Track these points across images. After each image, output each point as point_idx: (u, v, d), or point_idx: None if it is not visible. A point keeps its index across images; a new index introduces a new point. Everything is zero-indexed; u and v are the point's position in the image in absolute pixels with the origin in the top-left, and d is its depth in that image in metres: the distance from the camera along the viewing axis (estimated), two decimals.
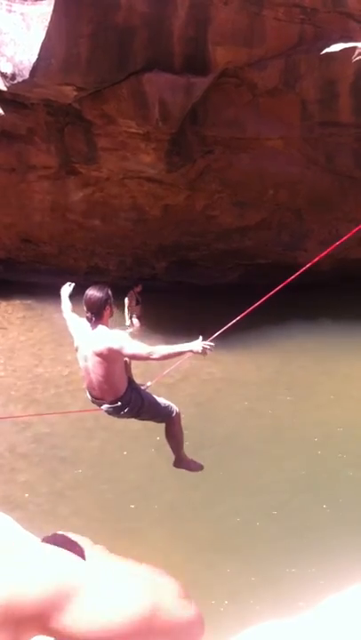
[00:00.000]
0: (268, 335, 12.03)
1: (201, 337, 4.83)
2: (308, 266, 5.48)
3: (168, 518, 7.50)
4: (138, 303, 12.71)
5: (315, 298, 13.01)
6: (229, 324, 5.15)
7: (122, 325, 11.78)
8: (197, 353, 4.78)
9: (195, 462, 5.78)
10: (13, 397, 10.01)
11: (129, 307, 12.65)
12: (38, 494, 7.84)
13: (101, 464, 8.54)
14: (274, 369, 11.35)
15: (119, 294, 5.25)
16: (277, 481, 8.15)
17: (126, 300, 12.61)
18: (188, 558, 6.95)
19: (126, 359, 5.22)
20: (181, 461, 5.69)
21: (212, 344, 4.80)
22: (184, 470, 5.83)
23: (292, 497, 7.86)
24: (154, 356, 4.82)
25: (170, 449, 5.65)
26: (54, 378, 10.61)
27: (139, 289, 12.73)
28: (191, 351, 4.79)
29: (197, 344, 4.75)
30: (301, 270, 5.38)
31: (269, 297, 5.27)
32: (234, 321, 5.23)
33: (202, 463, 5.81)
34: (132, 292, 12.71)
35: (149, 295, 12.84)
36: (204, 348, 4.74)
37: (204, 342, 4.78)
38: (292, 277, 5.34)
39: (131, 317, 12.62)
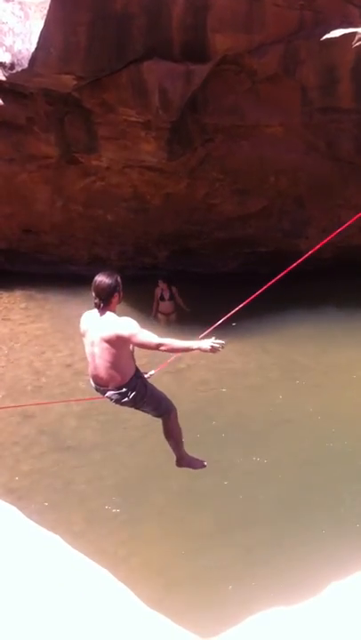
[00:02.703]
0: (271, 323, 12.03)
1: (214, 337, 4.87)
2: (309, 253, 5.48)
3: (172, 507, 7.53)
4: (163, 299, 12.74)
5: (317, 285, 13.00)
6: (232, 313, 5.16)
7: (148, 319, 11.85)
8: (206, 351, 4.82)
9: (197, 460, 5.77)
10: (16, 388, 10.03)
11: (155, 302, 12.72)
12: (42, 484, 7.87)
13: (106, 454, 8.56)
14: (277, 356, 11.36)
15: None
16: (281, 468, 8.17)
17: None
18: (192, 546, 6.98)
19: (131, 347, 5.23)
20: (183, 460, 5.69)
21: (222, 342, 4.82)
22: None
23: (295, 484, 7.89)
24: (163, 348, 4.87)
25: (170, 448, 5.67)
26: (57, 368, 10.63)
27: (162, 286, 12.72)
28: (200, 348, 4.83)
29: (206, 342, 4.80)
30: (303, 257, 5.37)
31: (271, 284, 5.27)
32: (236, 309, 5.24)
33: (204, 460, 5.81)
34: (157, 288, 12.74)
35: (151, 285, 12.83)
36: (213, 347, 4.78)
37: (214, 341, 4.81)
38: (294, 265, 5.33)
39: (155, 313, 12.64)
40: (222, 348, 4.84)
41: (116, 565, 5.43)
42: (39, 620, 3.72)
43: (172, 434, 5.56)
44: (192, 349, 4.91)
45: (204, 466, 5.81)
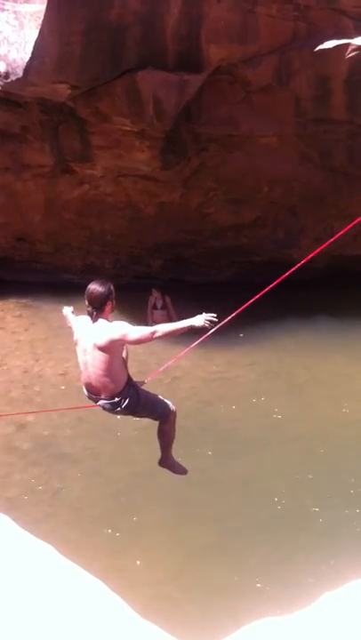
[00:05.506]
0: (265, 332, 12.04)
1: (204, 312, 4.87)
2: (302, 262, 5.49)
3: (166, 517, 7.51)
4: (157, 308, 12.75)
5: (310, 294, 13.02)
6: (223, 322, 5.15)
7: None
8: (199, 327, 4.82)
9: (180, 465, 5.75)
10: (10, 397, 10.00)
11: (148, 310, 12.73)
12: (36, 494, 7.84)
13: (99, 463, 8.54)
14: (271, 366, 11.36)
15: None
16: (276, 478, 8.16)
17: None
18: (186, 556, 6.96)
19: (124, 355, 5.24)
20: (167, 460, 5.68)
21: (214, 315, 4.83)
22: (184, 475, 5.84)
23: (290, 494, 7.87)
24: (158, 334, 4.88)
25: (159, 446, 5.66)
26: (51, 377, 10.61)
27: (156, 294, 12.74)
28: (193, 326, 4.83)
29: (198, 318, 4.80)
30: (296, 267, 5.38)
31: (264, 293, 5.27)
32: (229, 318, 5.23)
33: (187, 469, 5.80)
34: (151, 297, 12.75)
35: (145, 294, 12.83)
36: (206, 321, 4.79)
37: (206, 315, 4.82)
38: (288, 273, 5.34)
39: (149, 323, 12.60)
40: (213, 322, 4.84)
41: (110, 575, 5.40)
42: (31, 629, 3.70)
43: (166, 435, 5.56)
44: (185, 328, 4.90)
45: (186, 472, 5.80)
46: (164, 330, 4.91)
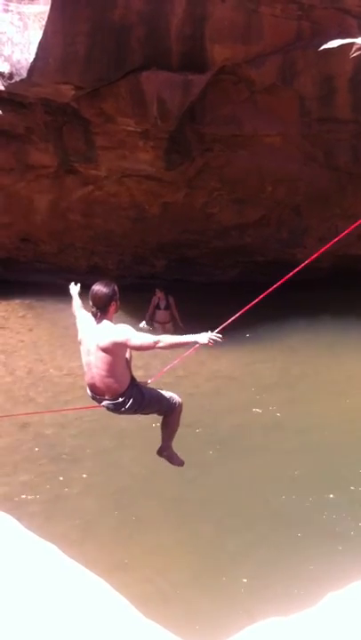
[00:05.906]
0: (268, 332, 12.03)
1: (210, 330, 4.86)
2: (307, 262, 5.48)
3: (169, 516, 7.50)
4: (160, 308, 12.71)
5: (315, 294, 13.00)
6: (226, 324, 5.15)
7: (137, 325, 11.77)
8: (203, 344, 4.82)
9: (178, 457, 5.78)
10: (13, 397, 10.01)
11: (150, 309, 12.69)
12: (39, 494, 7.84)
13: (102, 463, 8.54)
14: (274, 366, 11.35)
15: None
16: (279, 478, 8.15)
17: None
18: (189, 556, 6.95)
19: (127, 356, 5.24)
20: (166, 451, 5.71)
21: (219, 336, 4.82)
22: (181, 467, 5.86)
23: (293, 494, 7.86)
24: (160, 345, 4.87)
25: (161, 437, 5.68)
26: (54, 377, 10.61)
27: (160, 294, 12.69)
28: (197, 342, 4.82)
29: (203, 336, 4.79)
30: (301, 266, 5.37)
31: (268, 293, 5.27)
32: (232, 319, 5.22)
33: (184, 461, 5.82)
34: (155, 297, 12.72)
35: (149, 294, 12.82)
36: (211, 340, 4.78)
37: (211, 334, 4.81)
38: (292, 273, 5.34)
39: (147, 321, 12.54)
40: (220, 340, 4.83)
41: (113, 574, 5.39)
42: (34, 629, 3.70)
43: (170, 426, 5.58)
44: (189, 343, 4.90)
45: (182, 464, 5.82)
46: (167, 341, 4.91)
